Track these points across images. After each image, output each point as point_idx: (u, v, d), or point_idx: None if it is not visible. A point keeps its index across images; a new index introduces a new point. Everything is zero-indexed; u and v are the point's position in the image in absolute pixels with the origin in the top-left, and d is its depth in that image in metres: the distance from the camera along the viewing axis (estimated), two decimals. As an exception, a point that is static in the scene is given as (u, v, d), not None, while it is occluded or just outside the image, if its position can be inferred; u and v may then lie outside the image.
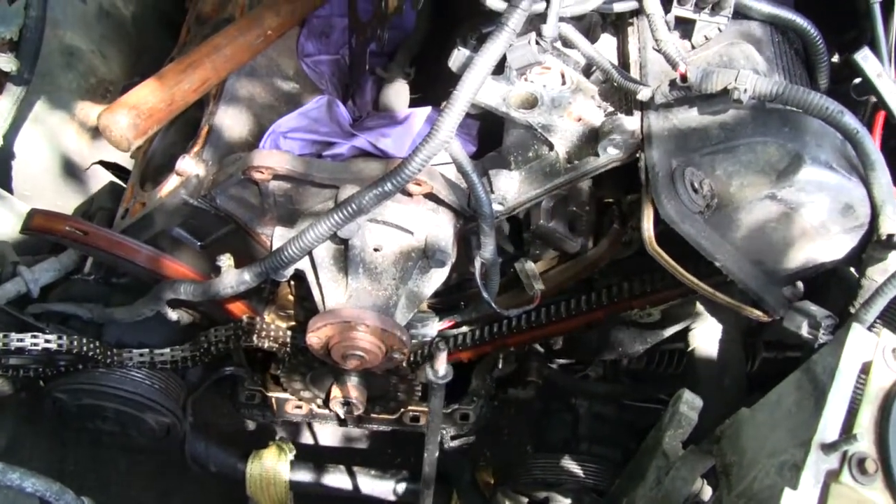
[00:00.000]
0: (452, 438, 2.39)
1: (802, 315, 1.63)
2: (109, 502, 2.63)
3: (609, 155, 1.66)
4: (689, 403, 1.68)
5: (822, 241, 1.64)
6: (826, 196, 1.58)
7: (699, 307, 2.08)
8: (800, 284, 1.76)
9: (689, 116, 1.65)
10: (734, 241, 1.66)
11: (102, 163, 2.52)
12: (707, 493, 1.58)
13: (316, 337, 1.83)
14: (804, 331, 1.61)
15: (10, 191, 2.47)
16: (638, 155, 1.66)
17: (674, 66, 1.60)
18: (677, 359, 2.36)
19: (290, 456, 2.50)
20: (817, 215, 1.60)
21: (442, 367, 1.74)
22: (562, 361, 2.48)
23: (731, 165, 1.61)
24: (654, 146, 1.63)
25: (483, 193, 1.69)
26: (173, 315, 2.03)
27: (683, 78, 1.58)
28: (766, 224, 1.63)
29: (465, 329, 2.12)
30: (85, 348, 2.02)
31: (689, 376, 2.14)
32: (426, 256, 1.82)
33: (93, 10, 2.61)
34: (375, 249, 1.83)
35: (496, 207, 1.77)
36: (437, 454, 1.96)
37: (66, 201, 2.51)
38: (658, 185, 1.59)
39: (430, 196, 1.80)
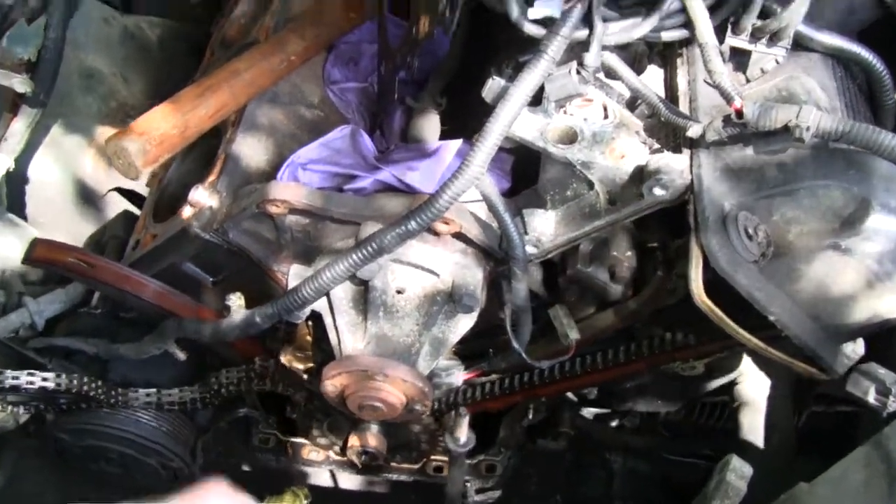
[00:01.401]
0: (477, 492, 2.23)
1: (869, 379, 1.47)
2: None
3: (654, 196, 1.52)
4: (738, 472, 1.52)
5: (890, 295, 1.49)
6: (896, 246, 1.43)
7: (746, 360, 1.94)
8: (860, 342, 1.61)
9: (744, 156, 1.50)
10: (791, 293, 1.51)
11: (119, 190, 2.43)
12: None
13: (331, 385, 1.71)
14: (871, 397, 1.46)
15: (23, 217, 2.38)
16: (686, 197, 1.51)
17: (728, 100, 1.45)
18: (720, 411, 2.22)
19: (306, 503, 2.37)
20: (885, 267, 1.45)
21: (463, 434, 1.61)
22: (595, 411, 2.34)
23: (790, 211, 1.46)
24: (704, 188, 1.48)
25: (516, 234, 1.56)
26: (181, 354, 1.90)
27: (739, 114, 1.43)
28: (828, 275, 1.48)
29: (493, 377, 1.98)
30: (86, 388, 1.91)
31: (734, 433, 1.99)
32: (452, 301, 1.69)
33: (116, 32, 2.54)
34: (398, 292, 1.71)
35: (530, 250, 1.64)
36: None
37: (80, 229, 2.42)
38: (708, 231, 1.44)
39: (459, 236, 1.67)
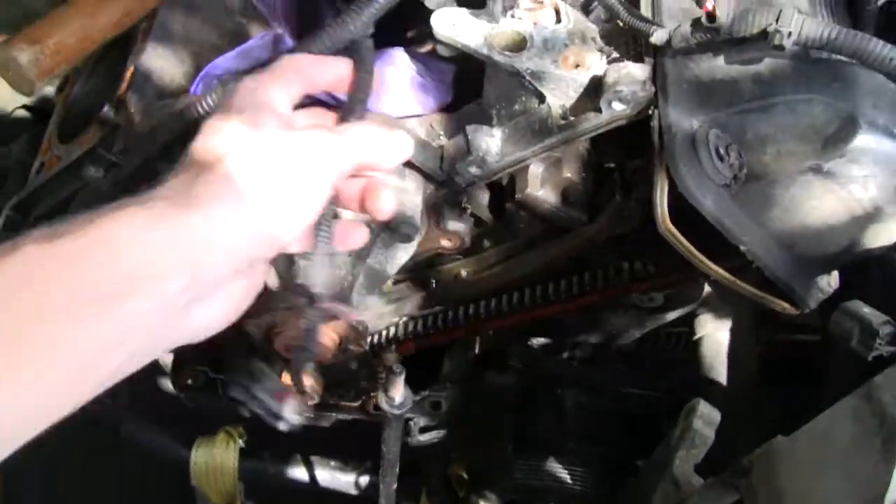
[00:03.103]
0: (421, 431, 2.09)
1: (852, 319, 1.33)
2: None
3: (613, 111, 1.35)
4: (705, 418, 1.39)
5: (874, 224, 1.33)
6: (883, 169, 1.27)
7: (707, 289, 1.80)
8: (835, 275, 1.47)
9: (715, 66, 1.32)
10: (763, 220, 1.36)
11: (27, 107, 2.21)
12: (726, 530, 1.29)
13: (255, 324, 1.54)
14: (855, 339, 1.32)
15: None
16: (650, 112, 1.34)
17: (699, 2, 1.28)
18: (677, 342, 2.10)
19: (241, 443, 2.23)
20: (870, 192, 1.30)
21: (399, 394, 1.46)
22: (544, 341, 2.20)
23: (766, 128, 1.29)
24: (670, 102, 1.31)
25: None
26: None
27: (711, 16, 1.25)
28: (805, 201, 1.33)
29: (436, 310, 1.82)
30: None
31: (693, 367, 1.87)
32: (390, 229, 1.53)
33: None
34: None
35: (473, 171, 1.47)
36: (394, 486, 1.68)
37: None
38: (675, 151, 1.28)
39: (396, 157, 1.49)
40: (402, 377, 1.51)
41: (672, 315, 1.87)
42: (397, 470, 1.72)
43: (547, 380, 2.08)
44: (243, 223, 0.97)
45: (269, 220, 1.00)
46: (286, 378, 1.96)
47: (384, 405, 1.53)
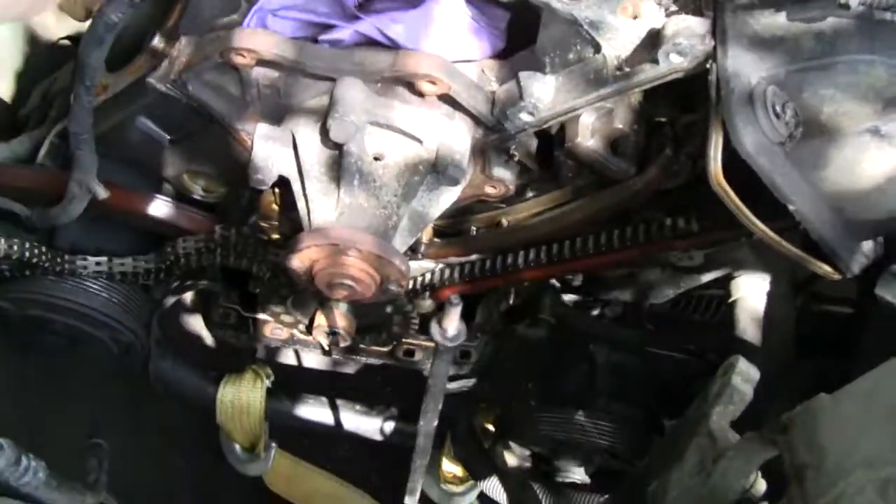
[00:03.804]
0: (450, 380, 2.10)
1: (901, 282, 1.33)
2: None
3: (671, 63, 1.35)
4: (744, 375, 1.38)
5: (928, 189, 1.33)
6: (944, 135, 1.27)
7: (746, 252, 1.79)
8: (880, 241, 1.47)
9: (776, 22, 1.32)
10: (815, 181, 1.35)
11: (70, 38, 2.21)
12: (761, 486, 1.30)
13: (298, 260, 1.55)
14: (904, 301, 1.32)
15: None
16: (708, 66, 1.33)
17: (763, -43, 1.27)
18: (710, 304, 2.09)
19: (268, 383, 2.24)
20: (928, 157, 1.29)
21: (453, 325, 1.46)
22: (576, 298, 2.20)
23: (825, 88, 1.29)
24: (729, 56, 1.31)
25: None
26: (101, 191, 1.69)
27: (777, -28, 1.25)
28: (859, 163, 1.32)
29: (473, 257, 1.82)
30: (28, 254, 1.74)
31: (728, 331, 1.86)
32: (436, 171, 1.53)
33: None
34: (376, 158, 1.54)
35: (525, 118, 1.47)
36: (435, 423, 1.69)
37: (27, 84, 2.20)
38: (732, 106, 1.27)
39: (446, 98, 1.50)
40: (459, 308, 1.51)
41: (708, 276, 1.87)
42: (440, 406, 1.72)
43: (579, 335, 2.08)
44: None
45: None
46: (320, 318, 1.97)
47: (437, 336, 1.53)
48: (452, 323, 1.51)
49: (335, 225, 1.53)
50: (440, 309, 1.85)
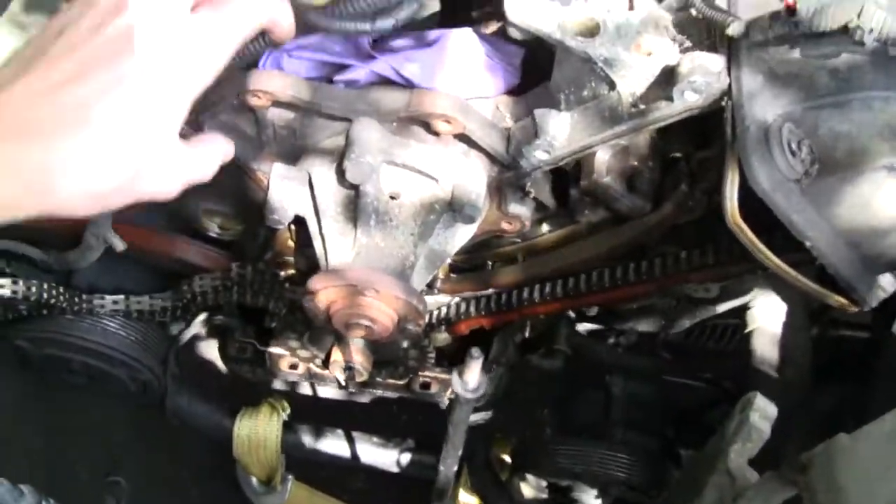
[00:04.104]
0: (466, 412, 2.10)
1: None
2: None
3: (686, 101, 1.34)
4: (762, 412, 1.38)
5: (944, 227, 1.33)
6: (959, 172, 1.26)
7: (762, 283, 1.79)
8: (897, 274, 1.46)
9: (791, 59, 1.31)
10: (831, 217, 1.34)
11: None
12: (781, 525, 1.29)
13: (315, 300, 1.55)
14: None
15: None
16: (723, 103, 1.34)
17: (778, -5, 1.27)
18: (727, 333, 2.09)
19: (284, 416, 2.25)
20: (943, 194, 1.29)
21: (474, 378, 1.46)
22: (590, 327, 2.20)
23: (841, 125, 1.28)
24: (744, 94, 1.31)
25: None
26: (119, 244, 1.70)
27: (791, 10, 1.24)
28: (875, 200, 1.31)
29: (490, 291, 1.83)
30: (46, 294, 1.75)
31: (744, 359, 1.86)
32: (452, 209, 1.53)
33: None
34: (392, 197, 1.54)
35: (541, 156, 1.47)
36: (455, 468, 1.69)
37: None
38: (748, 144, 1.27)
39: (462, 137, 1.50)
40: (480, 362, 1.51)
41: (724, 307, 1.87)
42: (460, 453, 1.72)
43: (594, 365, 2.08)
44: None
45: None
46: (336, 354, 1.97)
47: (459, 389, 1.53)
48: (474, 375, 1.51)
49: (352, 265, 1.53)
50: (456, 342, 1.86)
